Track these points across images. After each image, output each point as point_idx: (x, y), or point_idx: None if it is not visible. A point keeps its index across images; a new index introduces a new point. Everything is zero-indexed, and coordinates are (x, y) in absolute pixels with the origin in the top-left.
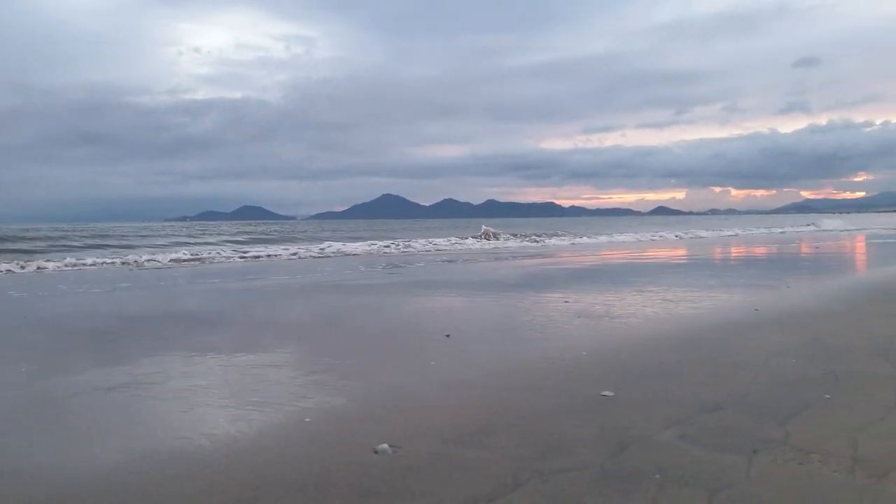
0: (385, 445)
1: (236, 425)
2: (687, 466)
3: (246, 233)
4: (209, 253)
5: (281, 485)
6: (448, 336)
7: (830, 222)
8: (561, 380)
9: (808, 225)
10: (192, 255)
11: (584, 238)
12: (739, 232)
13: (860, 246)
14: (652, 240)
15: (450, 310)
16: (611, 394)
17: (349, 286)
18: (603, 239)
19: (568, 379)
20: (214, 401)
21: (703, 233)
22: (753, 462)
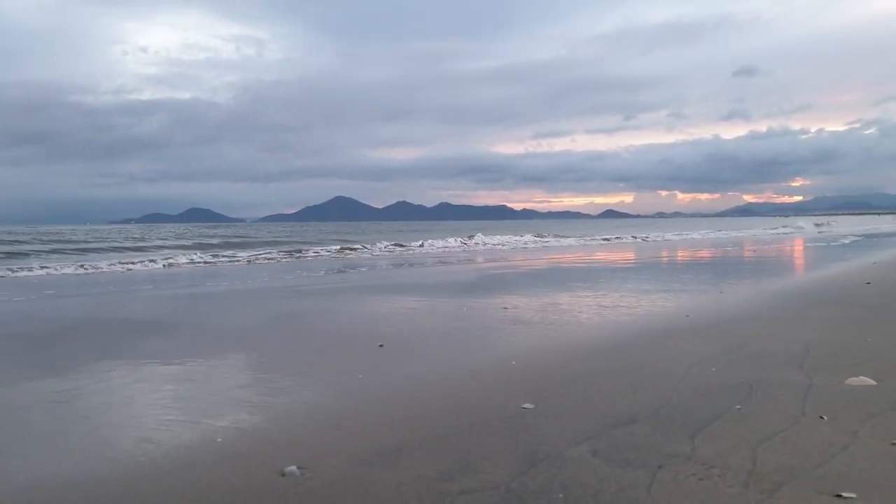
0: (293, 467)
1: (142, 447)
2: (592, 484)
3: (206, 236)
4: (145, 259)
5: None
6: (381, 346)
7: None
8: (486, 392)
9: (784, 226)
10: (183, 258)
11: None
12: (732, 233)
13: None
14: (622, 242)
15: (389, 316)
16: (531, 406)
17: (297, 291)
18: (598, 242)
19: (493, 391)
20: (125, 420)
21: (669, 236)
22: (657, 478)
